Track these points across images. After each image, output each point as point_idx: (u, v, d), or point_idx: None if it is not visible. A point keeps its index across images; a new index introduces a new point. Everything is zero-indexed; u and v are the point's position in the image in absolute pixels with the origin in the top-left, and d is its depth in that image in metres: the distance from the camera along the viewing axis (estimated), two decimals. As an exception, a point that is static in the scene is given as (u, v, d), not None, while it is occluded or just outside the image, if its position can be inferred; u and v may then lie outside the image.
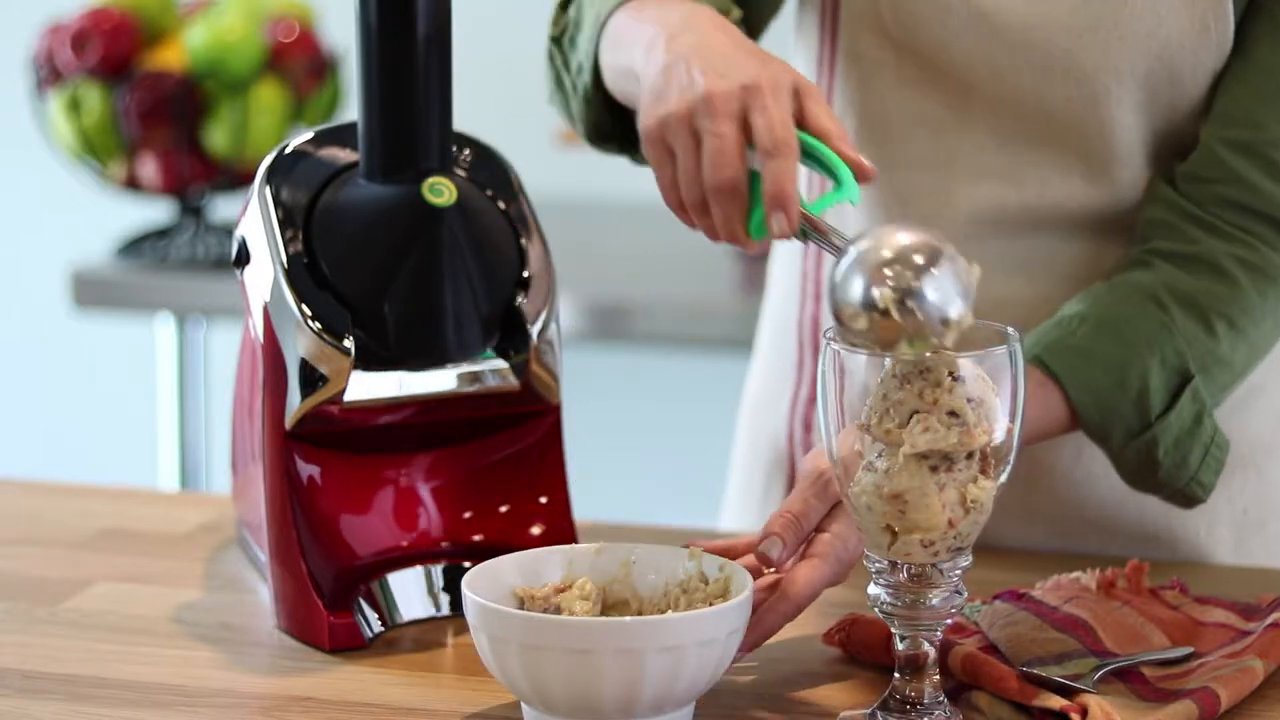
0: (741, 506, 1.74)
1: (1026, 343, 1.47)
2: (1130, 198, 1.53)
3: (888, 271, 1.17)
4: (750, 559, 1.33)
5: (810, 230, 1.27)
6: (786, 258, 1.69)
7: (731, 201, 1.28)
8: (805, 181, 1.31)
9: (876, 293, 1.17)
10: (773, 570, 1.31)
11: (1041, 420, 1.45)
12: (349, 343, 1.38)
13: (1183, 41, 1.48)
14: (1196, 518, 1.60)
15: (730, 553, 1.34)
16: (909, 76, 1.54)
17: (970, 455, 1.20)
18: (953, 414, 1.19)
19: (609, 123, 1.53)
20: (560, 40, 1.55)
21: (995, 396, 1.20)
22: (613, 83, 1.47)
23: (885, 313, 1.17)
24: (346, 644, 1.39)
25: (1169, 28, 1.47)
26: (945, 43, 1.51)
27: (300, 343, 1.39)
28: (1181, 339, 1.46)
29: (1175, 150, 1.52)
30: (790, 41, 1.67)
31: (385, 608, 1.43)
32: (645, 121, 1.32)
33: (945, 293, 1.18)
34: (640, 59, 1.37)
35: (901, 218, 1.55)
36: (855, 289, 1.18)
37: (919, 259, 1.18)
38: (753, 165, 1.29)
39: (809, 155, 1.30)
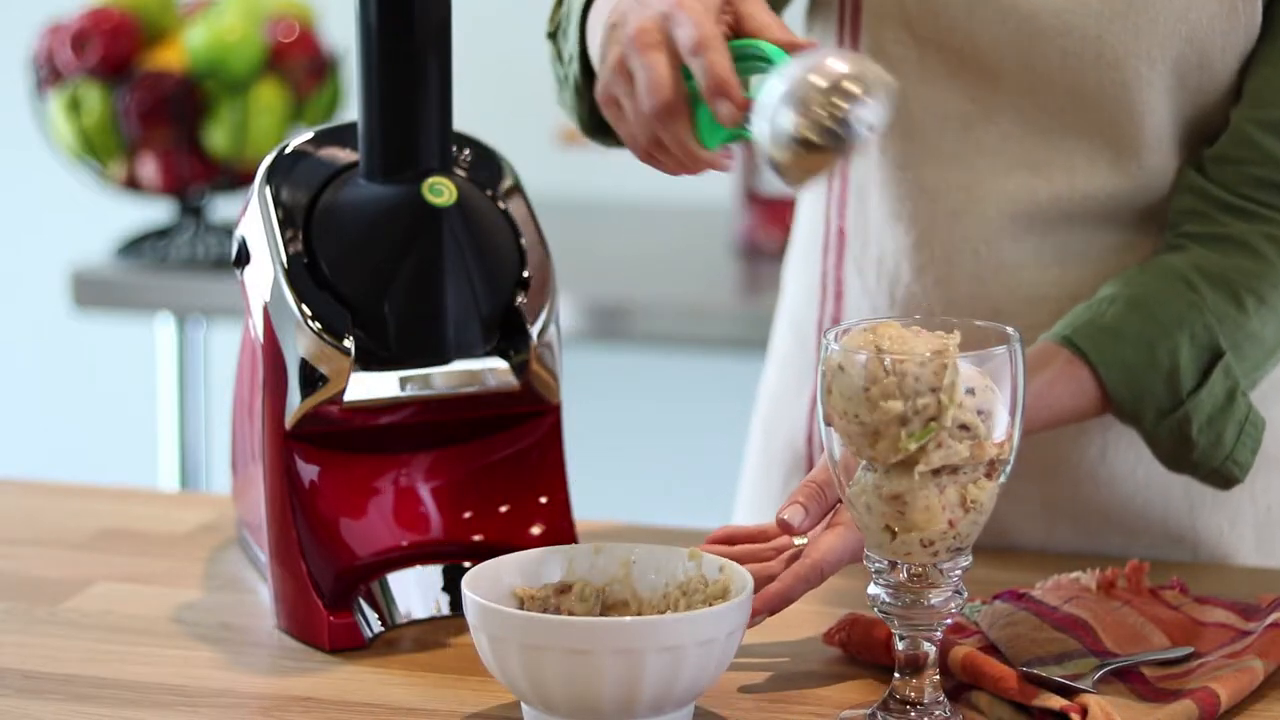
0: (756, 505, 1.73)
1: (1057, 326, 1.47)
2: (1159, 186, 1.53)
3: (814, 105, 1.21)
4: (785, 540, 1.34)
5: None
6: (802, 258, 1.68)
7: (673, 120, 1.28)
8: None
9: (801, 124, 1.21)
10: (799, 542, 1.32)
11: (1073, 401, 1.45)
12: (349, 343, 1.38)
13: (1212, 24, 1.48)
14: (1219, 517, 1.60)
15: (763, 536, 1.36)
16: (932, 71, 1.53)
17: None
18: (964, 428, 1.18)
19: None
20: (555, 35, 1.55)
21: (1001, 405, 1.20)
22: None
23: (813, 144, 1.21)
24: (346, 644, 1.39)
25: (1199, 11, 1.48)
26: (971, 32, 1.51)
27: (300, 343, 1.38)
28: (1211, 316, 1.46)
29: (1202, 136, 1.53)
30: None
31: (385, 608, 1.43)
32: (596, 87, 1.33)
33: (869, 109, 1.21)
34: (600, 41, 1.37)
35: (929, 212, 1.55)
36: (784, 125, 1.21)
37: (850, 86, 1.21)
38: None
39: (747, 58, 1.29)
